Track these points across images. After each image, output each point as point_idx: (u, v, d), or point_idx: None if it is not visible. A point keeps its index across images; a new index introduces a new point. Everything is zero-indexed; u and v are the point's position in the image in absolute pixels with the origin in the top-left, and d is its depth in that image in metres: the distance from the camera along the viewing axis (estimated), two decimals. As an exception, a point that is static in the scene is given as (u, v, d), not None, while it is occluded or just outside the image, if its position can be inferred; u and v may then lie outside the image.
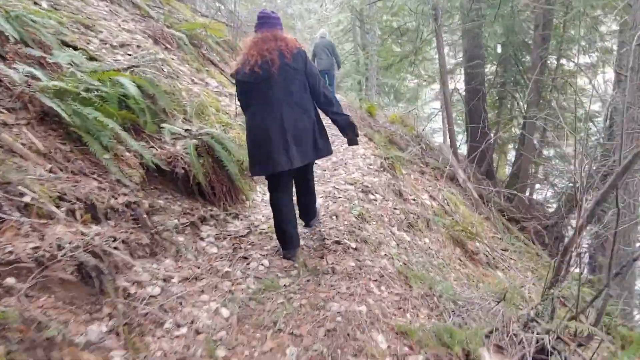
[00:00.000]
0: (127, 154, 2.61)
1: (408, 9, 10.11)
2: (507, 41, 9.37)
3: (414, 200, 4.51)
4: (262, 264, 2.57)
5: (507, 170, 10.28)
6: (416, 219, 4.05)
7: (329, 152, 2.67)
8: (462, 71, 10.28)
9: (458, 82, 10.89)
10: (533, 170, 9.06)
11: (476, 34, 9.56)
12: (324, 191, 3.77)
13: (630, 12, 6.14)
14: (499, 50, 9.98)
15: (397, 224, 3.66)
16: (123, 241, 2.11)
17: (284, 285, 2.37)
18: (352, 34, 21.32)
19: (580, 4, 7.48)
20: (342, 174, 4.27)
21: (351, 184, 3.96)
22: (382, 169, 4.67)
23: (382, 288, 2.50)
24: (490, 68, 9.95)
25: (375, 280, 2.55)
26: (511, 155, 10.24)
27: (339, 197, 3.64)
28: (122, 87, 2.69)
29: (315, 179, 3.03)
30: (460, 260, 3.93)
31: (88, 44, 3.36)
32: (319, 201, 3.45)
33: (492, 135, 10.58)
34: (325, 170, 4.43)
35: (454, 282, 3.17)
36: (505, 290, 2.60)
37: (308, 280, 2.45)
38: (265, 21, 2.50)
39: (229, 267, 2.46)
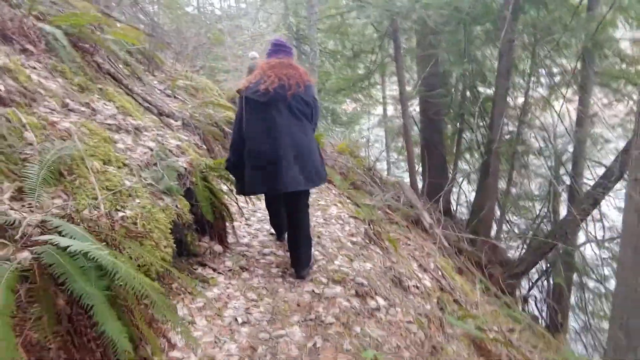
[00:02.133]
0: None
1: (359, 29, 9.08)
2: (467, 69, 8.67)
3: (417, 288, 3.10)
4: None
5: (466, 209, 9.48)
6: (428, 323, 2.66)
7: (324, 181, 2.72)
8: (418, 99, 9.40)
9: (412, 111, 10.01)
10: (498, 209, 8.29)
11: (433, 60, 8.76)
12: (298, 305, 2.21)
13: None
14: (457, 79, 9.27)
15: (418, 352, 2.21)
16: None
17: None
18: (288, 54, 20.17)
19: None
20: (319, 259, 2.73)
21: (338, 282, 2.45)
22: (368, 241, 3.23)
23: None
24: (448, 98, 9.18)
25: None
26: (471, 190, 9.49)
27: (326, 318, 2.10)
28: None
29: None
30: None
31: None
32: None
33: (450, 169, 9.80)
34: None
35: None
36: None
37: None
38: (282, 49, 2.67)
39: None
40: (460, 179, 9.24)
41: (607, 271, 8.42)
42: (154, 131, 3.07)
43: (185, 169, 2.63)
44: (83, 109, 2.60)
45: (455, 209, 9.05)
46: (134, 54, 6.14)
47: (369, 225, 3.38)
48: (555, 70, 7.89)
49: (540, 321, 8.76)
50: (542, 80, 8.14)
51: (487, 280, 7.23)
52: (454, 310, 3.42)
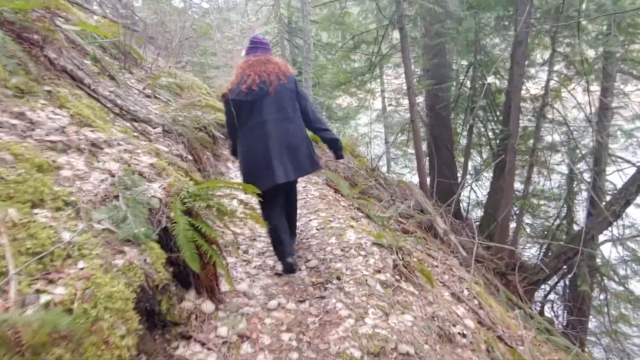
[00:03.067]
0: None
1: (357, 17, 8.35)
2: (475, 61, 8.00)
3: (463, 336, 2.43)
4: None
5: (480, 210, 8.84)
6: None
7: (320, 166, 2.79)
8: (424, 93, 8.71)
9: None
10: (515, 211, 7.66)
11: (440, 51, 8.08)
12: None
13: None
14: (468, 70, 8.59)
15: None
16: None
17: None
18: (280, 47, 19.31)
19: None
20: (345, 315, 2.03)
21: (376, 355, 1.77)
22: (399, 277, 2.55)
23: None
24: (456, 90, 8.51)
25: None
26: (483, 190, 8.84)
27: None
28: None
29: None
30: None
31: None
32: None
33: (458, 167, 9.15)
34: (307, 305, 2.15)
35: None
36: None
37: None
38: (259, 46, 2.74)
39: None
40: (470, 178, 8.60)
41: (628, 271, 7.89)
42: (120, 146, 2.36)
43: (161, 200, 1.92)
44: (14, 121, 1.87)
45: (466, 210, 8.42)
46: (109, 49, 5.38)
47: (397, 254, 2.70)
48: (574, 58, 7.24)
49: (557, 324, 8.23)
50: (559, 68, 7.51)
51: (506, 289, 6.65)
52: (503, 355, 2.77)
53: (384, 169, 13.36)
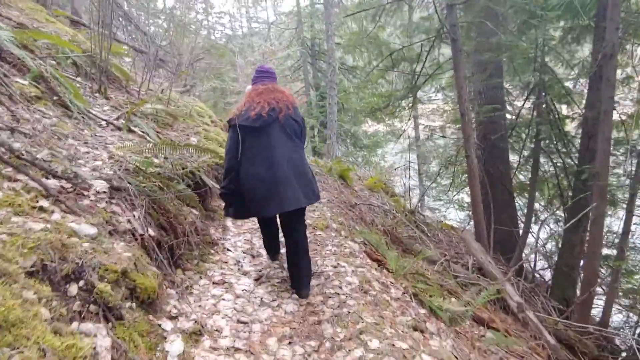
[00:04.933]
0: None
1: (396, 30, 7.04)
2: (539, 80, 6.51)
3: None
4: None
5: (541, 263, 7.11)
6: None
7: (318, 198, 2.67)
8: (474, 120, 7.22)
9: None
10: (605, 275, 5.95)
11: (496, 70, 6.65)
12: None
13: None
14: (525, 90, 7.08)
15: None
16: None
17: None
18: (303, 71, 18.28)
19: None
20: None
21: None
22: None
23: None
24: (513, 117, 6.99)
25: None
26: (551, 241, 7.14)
27: None
28: None
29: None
30: None
31: None
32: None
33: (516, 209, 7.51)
34: None
35: None
36: None
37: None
38: (267, 75, 2.77)
39: None
40: (534, 223, 6.95)
41: None
42: None
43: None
44: None
45: (533, 266, 6.74)
46: (83, 68, 4.20)
47: None
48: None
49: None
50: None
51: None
52: None
53: (414, 201, 11.79)
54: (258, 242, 3.25)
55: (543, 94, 6.55)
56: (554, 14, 5.91)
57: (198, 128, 4.54)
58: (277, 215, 2.70)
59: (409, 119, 8.60)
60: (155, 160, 2.91)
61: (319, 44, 17.43)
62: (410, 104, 6.37)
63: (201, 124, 4.78)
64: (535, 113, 6.66)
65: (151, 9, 12.82)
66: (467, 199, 13.94)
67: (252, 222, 3.53)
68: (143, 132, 3.46)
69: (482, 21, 5.84)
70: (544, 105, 6.50)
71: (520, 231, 6.93)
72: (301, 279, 2.57)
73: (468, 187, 6.25)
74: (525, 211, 6.89)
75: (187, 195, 2.77)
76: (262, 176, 2.44)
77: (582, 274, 5.98)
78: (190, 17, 16.93)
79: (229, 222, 3.44)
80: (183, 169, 3.07)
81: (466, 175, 7.57)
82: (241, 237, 3.32)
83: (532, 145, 6.78)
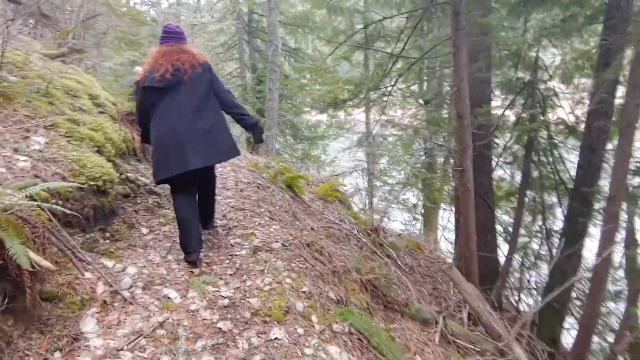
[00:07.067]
0: None
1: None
2: (534, 79, 5.37)
3: None
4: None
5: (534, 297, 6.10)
6: None
7: (236, 153, 2.70)
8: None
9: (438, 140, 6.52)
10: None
11: (484, 60, 5.39)
12: None
13: None
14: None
15: None
16: None
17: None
18: (238, 50, 16.00)
19: None
20: None
21: None
22: None
23: None
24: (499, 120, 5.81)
25: None
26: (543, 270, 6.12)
27: None
28: None
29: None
30: None
31: None
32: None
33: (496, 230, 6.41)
34: None
35: None
36: None
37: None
38: (172, 36, 2.66)
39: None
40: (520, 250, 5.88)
41: None
42: None
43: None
44: None
45: (517, 299, 5.67)
46: None
47: None
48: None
49: None
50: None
51: None
52: None
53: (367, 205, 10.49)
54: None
55: (537, 94, 5.43)
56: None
57: (58, 117, 2.58)
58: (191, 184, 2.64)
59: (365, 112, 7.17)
60: None
61: (258, 20, 15.34)
62: (387, 94, 4.85)
63: (68, 110, 2.80)
64: (525, 117, 5.54)
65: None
66: (413, 200, 13.02)
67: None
68: None
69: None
70: (538, 109, 5.38)
71: (502, 257, 5.84)
72: (209, 216, 2.96)
73: (453, 208, 4.95)
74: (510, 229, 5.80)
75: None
76: (167, 137, 2.46)
77: (581, 318, 5.01)
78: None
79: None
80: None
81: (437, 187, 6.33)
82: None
83: (519, 156, 5.68)
